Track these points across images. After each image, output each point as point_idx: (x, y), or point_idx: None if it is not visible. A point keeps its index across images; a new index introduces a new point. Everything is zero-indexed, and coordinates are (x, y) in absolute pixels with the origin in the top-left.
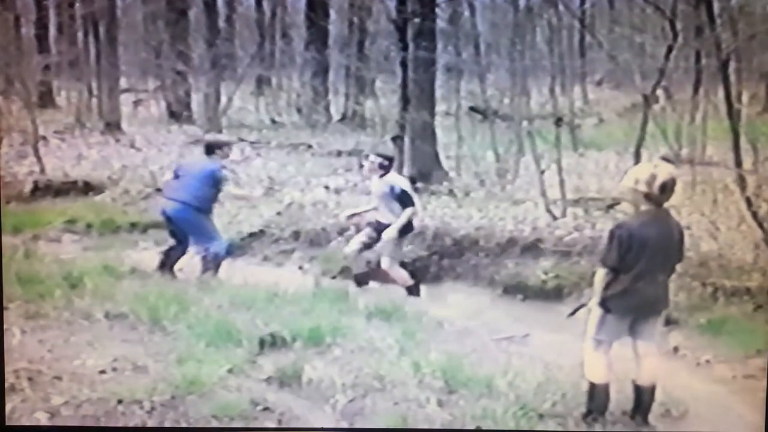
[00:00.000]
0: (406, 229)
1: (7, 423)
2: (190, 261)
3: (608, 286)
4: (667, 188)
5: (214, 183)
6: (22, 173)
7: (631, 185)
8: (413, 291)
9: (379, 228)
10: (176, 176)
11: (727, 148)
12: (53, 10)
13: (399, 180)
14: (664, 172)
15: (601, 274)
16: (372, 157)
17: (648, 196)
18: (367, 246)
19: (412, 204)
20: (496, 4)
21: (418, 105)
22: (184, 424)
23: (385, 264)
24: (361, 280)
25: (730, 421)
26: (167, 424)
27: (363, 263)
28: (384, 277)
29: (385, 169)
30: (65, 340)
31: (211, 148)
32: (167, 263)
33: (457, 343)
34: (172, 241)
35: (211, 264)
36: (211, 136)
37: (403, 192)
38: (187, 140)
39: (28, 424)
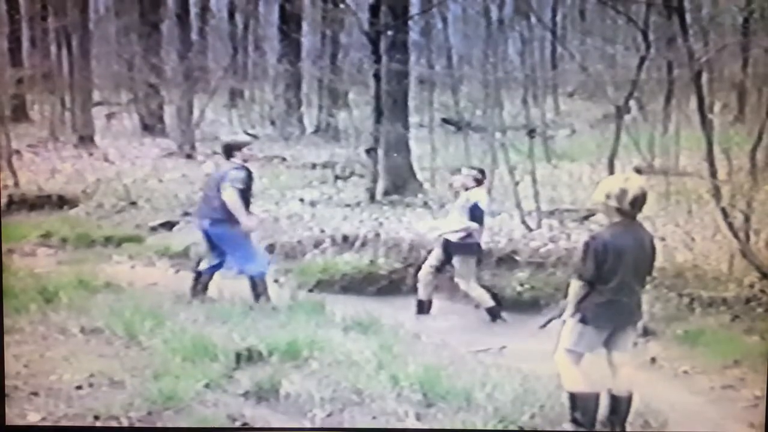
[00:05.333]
0: (477, 249)
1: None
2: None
3: (588, 298)
4: (638, 202)
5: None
6: None
7: (602, 200)
8: (495, 313)
9: (448, 248)
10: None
11: (701, 158)
12: (26, 23)
13: (479, 195)
14: (635, 186)
15: (576, 286)
16: (465, 171)
17: (619, 210)
18: (438, 269)
19: (480, 222)
20: (469, 16)
21: (392, 117)
22: None
23: (462, 285)
24: (423, 308)
25: (708, 431)
26: None
27: (431, 289)
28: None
29: (477, 183)
30: (41, 354)
31: (229, 151)
32: (198, 285)
33: (435, 355)
34: (203, 262)
35: (261, 287)
36: (228, 138)
37: (476, 206)
38: (160, 153)
39: (28, 424)
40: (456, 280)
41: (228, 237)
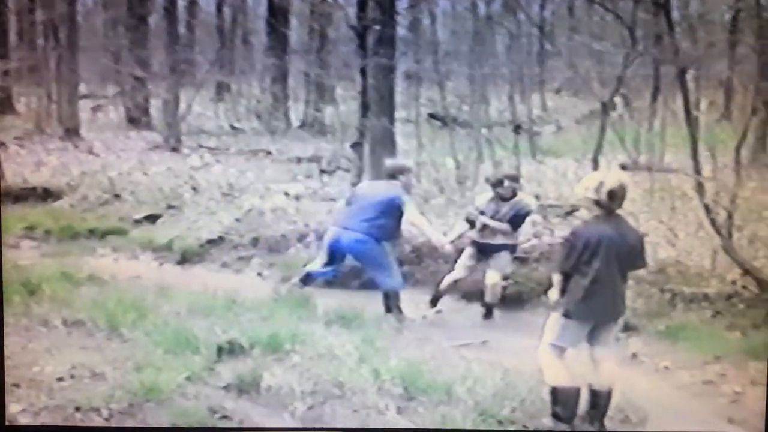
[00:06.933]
0: (515, 247)
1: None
2: None
3: (567, 293)
4: (616, 195)
5: (396, 211)
6: None
7: (581, 193)
8: (491, 310)
9: (484, 247)
10: (349, 203)
11: (686, 155)
12: (13, 16)
13: (530, 200)
14: (613, 179)
15: (556, 279)
16: (507, 183)
17: (597, 203)
18: (472, 269)
19: (517, 228)
20: (456, 12)
21: (378, 112)
22: None
23: (493, 279)
24: (436, 300)
25: (689, 426)
26: None
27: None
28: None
29: (515, 191)
30: (23, 347)
31: (393, 174)
32: (302, 286)
33: (417, 349)
34: (312, 264)
35: (394, 302)
36: (390, 162)
37: (528, 214)
38: (146, 146)
39: (28, 424)
40: (490, 272)
41: (373, 253)
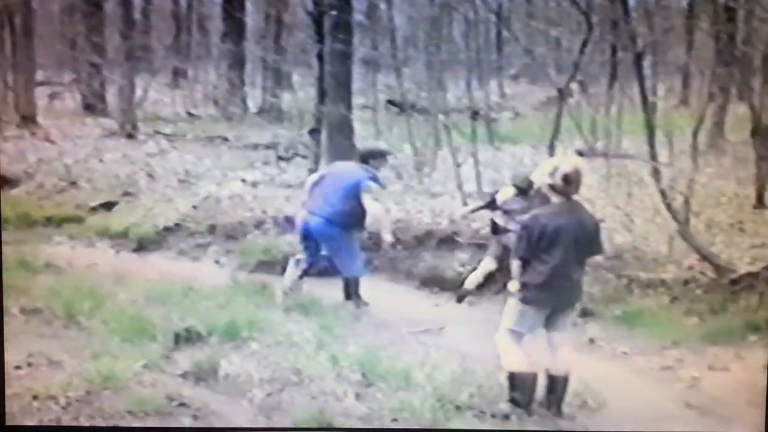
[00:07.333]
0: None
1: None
2: None
3: (528, 278)
4: (571, 180)
5: (357, 196)
6: None
7: (538, 179)
8: (463, 295)
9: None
10: (317, 185)
11: (643, 141)
12: None
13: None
14: (568, 164)
15: (515, 265)
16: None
17: (553, 188)
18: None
19: None
20: None
21: (335, 98)
22: (99, 420)
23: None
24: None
25: (647, 411)
26: (82, 420)
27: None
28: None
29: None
30: None
31: (365, 158)
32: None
33: (375, 336)
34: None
35: (354, 288)
36: (368, 145)
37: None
38: (102, 133)
39: (28, 424)
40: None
41: (337, 239)
